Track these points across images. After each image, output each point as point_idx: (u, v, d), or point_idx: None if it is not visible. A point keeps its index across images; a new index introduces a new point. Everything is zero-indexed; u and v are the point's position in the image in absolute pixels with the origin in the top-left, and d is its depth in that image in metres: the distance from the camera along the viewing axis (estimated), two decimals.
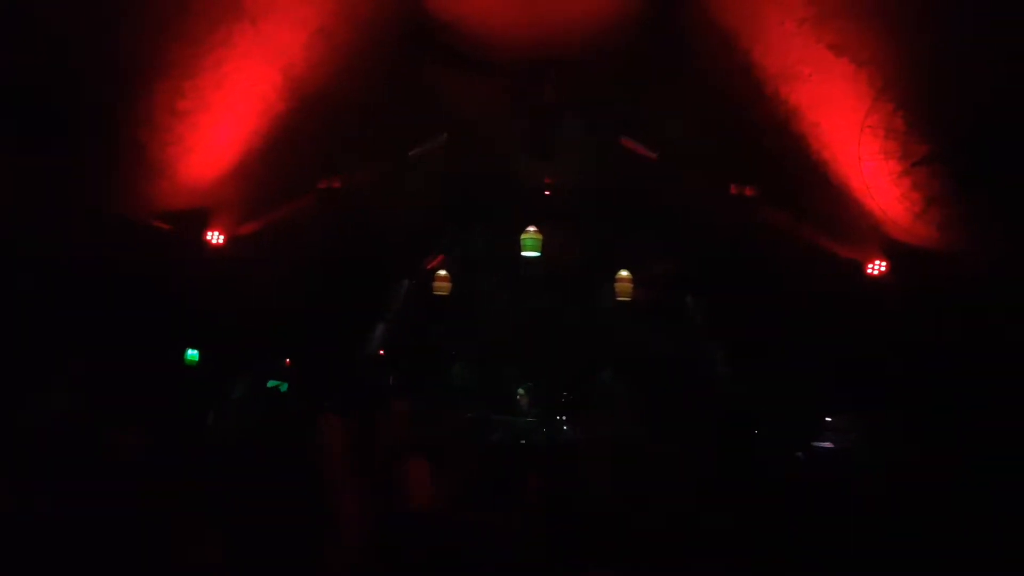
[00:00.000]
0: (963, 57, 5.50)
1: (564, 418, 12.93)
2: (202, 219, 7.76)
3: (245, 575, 5.75)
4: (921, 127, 6.14)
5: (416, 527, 6.69)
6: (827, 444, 10.63)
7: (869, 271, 7.58)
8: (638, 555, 6.07)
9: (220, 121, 7.03)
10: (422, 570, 6.34)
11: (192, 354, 9.68)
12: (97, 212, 6.79)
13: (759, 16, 6.80)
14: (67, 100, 5.83)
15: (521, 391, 13.74)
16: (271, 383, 11.76)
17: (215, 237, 7.84)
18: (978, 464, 6.99)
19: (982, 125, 5.76)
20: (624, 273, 13.00)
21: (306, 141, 8.14)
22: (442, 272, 13.49)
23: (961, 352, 7.58)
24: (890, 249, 7.41)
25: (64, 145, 6.02)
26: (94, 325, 7.34)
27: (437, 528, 6.65)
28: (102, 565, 4.82)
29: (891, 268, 7.48)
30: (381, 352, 14.24)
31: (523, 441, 11.32)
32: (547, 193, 12.10)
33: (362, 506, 6.62)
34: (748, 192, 8.55)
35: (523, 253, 11.91)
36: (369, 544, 6.50)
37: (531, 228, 11.89)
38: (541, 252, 11.95)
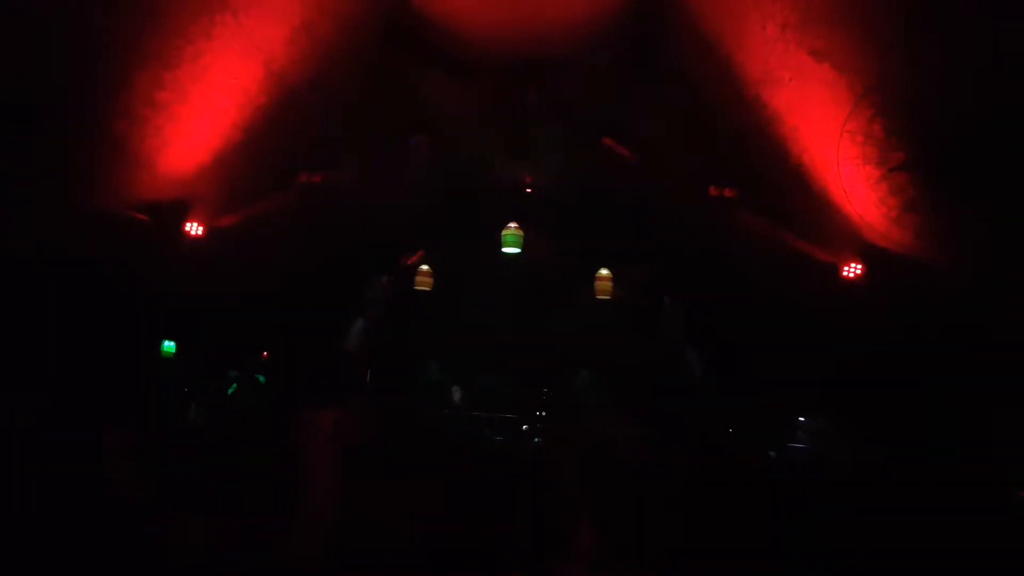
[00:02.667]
0: (941, 65, 5.58)
1: (543, 414, 12.93)
2: (181, 211, 7.71)
3: (226, 561, 5.75)
4: (899, 134, 6.22)
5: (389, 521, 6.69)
6: (800, 445, 10.76)
7: (845, 274, 7.66)
8: (619, 553, 6.13)
9: (200, 113, 6.98)
10: (395, 562, 6.34)
11: (169, 345, 9.61)
12: (75, 203, 6.72)
13: (741, 21, 6.84)
14: (45, 91, 5.76)
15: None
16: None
17: (194, 229, 7.80)
18: (947, 465, 7.11)
19: (959, 133, 5.84)
20: (604, 272, 13.02)
21: (286, 135, 8.10)
22: (424, 267, 13.43)
23: (933, 355, 7.70)
24: (866, 253, 7.50)
25: (42, 136, 5.96)
26: (71, 316, 7.27)
27: (411, 524, 6.66)
28: (89, 559, 4.81)
29: (866, 271, 7.57)
30: (358, 348, 14.18)
31: (499, 438, 11.32)
32: (528, 192, 12.10)
33: (334, 496, 6.63)
34: (728, 194, 8.62)
35: (504, 249, 11.91)
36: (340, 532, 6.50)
37: (512, 224, 11.89)
38: (522, 249, 11.96)
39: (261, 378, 11.91)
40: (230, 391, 11.06)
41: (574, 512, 6.79)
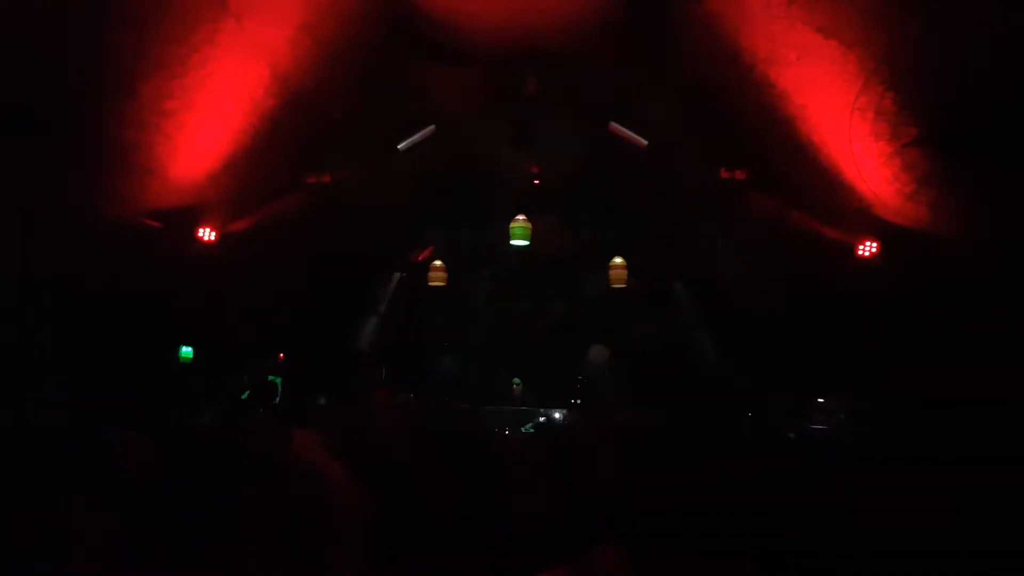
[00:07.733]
0: (952, 38, 5.52)
1: (578, 402, 12.88)
2: (193, 217, 7.74)
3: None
4: (910, 108, 6.16)
5: (421, 516, 6.66)
6: (819, 425, 10.71)
7: (860, 252, 7.60)
8: (643, 533, 6.10)
9: (208, 119, 6.99)
10: (428, 560, 6.31)
11: (187, 351, 9.64)
12: (87, 212, 6.74)
13: (745, 0, 6.79)
14: (54, 101, 5.77)
15: (517, 382, 13.72)
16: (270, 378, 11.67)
17: (207, 234, 7.83)
18: (964, 445, 7.06)
19: (971, 106, 5.78)
20: (618, 260, 12.98)
21: (294, 137, 8.10)
22: (437, 262, 13.37)
23: (950, 332, 7.64)
24: (881, 230, 7.44)
25: (52, 146, 5.96)
26: (87, 324, 7.29)
27: (443, 516, 6.62)
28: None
29: (882, 249, 7.51)
30: (371, 346, 14.20)
31: (530, 429, 11.32)
32: (535, 183, 12.06)
33: (359, 502, 6.61)
34: (738, 176, 8.57)
35: (512, 242, 11.89)
36: (371, 539, 6.49)
37: (520, 217, 11.86)
38: (530, 241, 11.94)
39: (278, 380, 11.92)
40: (244, 396, 11.07)
41: (605, 490, 6.75)
